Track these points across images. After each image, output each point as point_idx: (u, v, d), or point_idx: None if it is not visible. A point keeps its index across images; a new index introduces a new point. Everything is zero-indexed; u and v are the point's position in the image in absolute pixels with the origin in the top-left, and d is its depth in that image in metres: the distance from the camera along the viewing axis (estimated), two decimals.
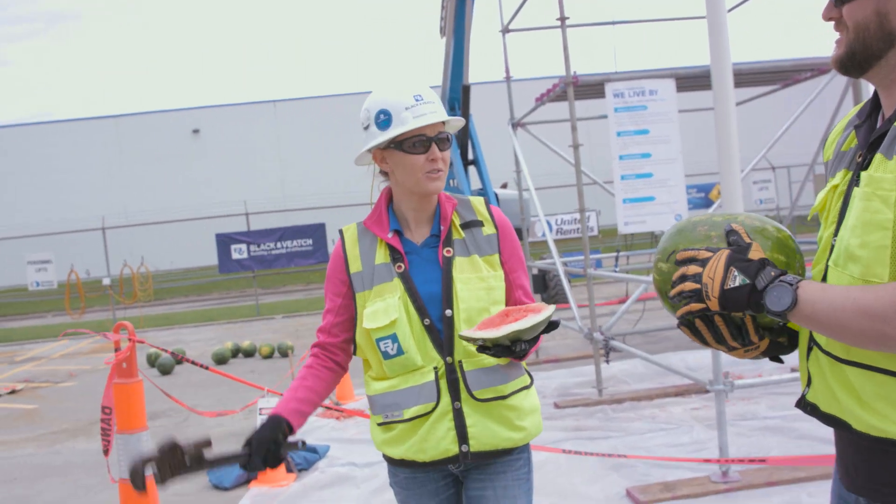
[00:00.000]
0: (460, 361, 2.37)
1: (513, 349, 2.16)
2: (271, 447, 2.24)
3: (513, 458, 2.45)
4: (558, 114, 9.24)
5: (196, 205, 29.53)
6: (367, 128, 2.42)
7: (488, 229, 2.46)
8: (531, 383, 2.53)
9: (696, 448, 5.86)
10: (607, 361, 7.43)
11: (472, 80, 16.43)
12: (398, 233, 2.45)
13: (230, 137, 44.44)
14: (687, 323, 1.71)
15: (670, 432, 6.29)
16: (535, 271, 15.67)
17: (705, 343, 1.71)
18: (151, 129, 44.50)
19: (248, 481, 6.15)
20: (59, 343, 18.73)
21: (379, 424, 2.44)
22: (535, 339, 2.23)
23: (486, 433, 2.36)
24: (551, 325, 2.23)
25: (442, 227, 2.44)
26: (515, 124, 9.67)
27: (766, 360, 1.80)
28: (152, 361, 12.67)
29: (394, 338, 2.35)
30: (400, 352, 2.35)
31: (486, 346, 2.17)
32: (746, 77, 8.50)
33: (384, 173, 2.48)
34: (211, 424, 8.20)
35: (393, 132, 2.35)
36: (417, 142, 2.35)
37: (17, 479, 7.10)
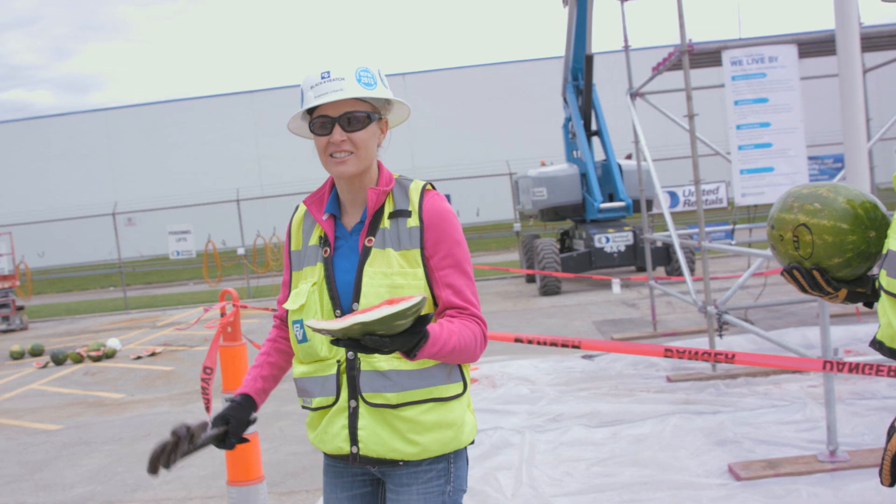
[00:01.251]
0: (359, 359, 2.23)
1: (362, 343, 1.90)
2: (243, 428, 2.28)
3: (420, 471, 2.27)
4: (678, 83, 9.07)
5: (322, 177, 30.34)
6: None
7: (412, 221, 2.25)
8: (454, 396, 2.28)
9: (809, 426, 5.73)
10: (720, 335, 7.31)
11: (593, 50, 16.22)
12: (333, 216, 2.34)
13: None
14: (787, 270, 2.04)
15: (782, 409, 6.16)
16: (658, 244, 15.44)
17: (803, 290, 2.02)
18: (285, 103, 45.87)
19: None
20: (197, 310, 19.75)
21: (302, 406, 2.40)
22: (410, 337, 1.94)
23: (374, 439, 2.23)
24: (422, 319, 1.95)
25: (367, 214, 2.29)
26: (634, 94, 9.55)
27: None
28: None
29: (301, 323, 2.28)
30: (304, 338, 2.28)
31: (339, 339, 1.94)
32: (875, 41, 8.10)
33: None
34: None
35: (296, 111, 2.30)
36: (320, 123, 2.24)
37: (152, 434, 7.62)
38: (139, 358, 12.43)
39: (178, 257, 22.33)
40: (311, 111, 2.27)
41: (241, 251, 22.70)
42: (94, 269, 33.89)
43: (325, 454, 2.38)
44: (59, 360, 12.78)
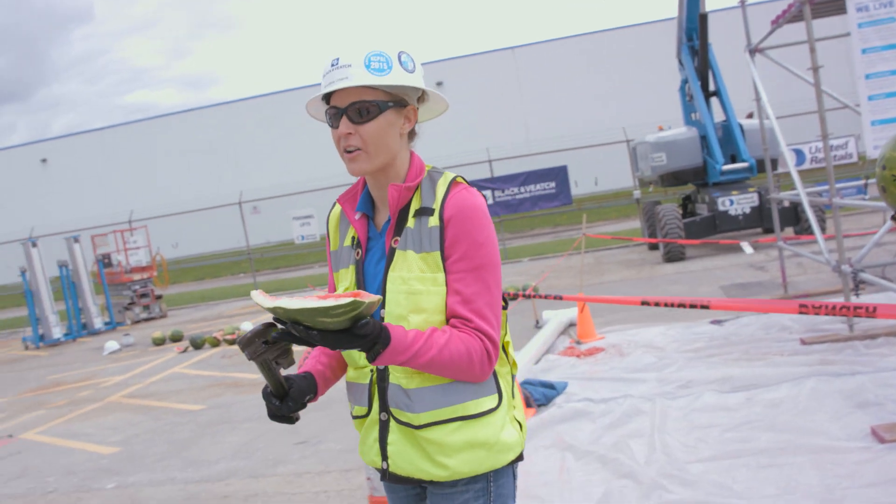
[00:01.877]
0: (388, 371, 2.08)
1: (292, 333, 1.80)
2: (300, 405, 2.03)
3: (456, 492, 2.08)
4: (799, 35, 8.71)
5: (440, 154, 30.55)
6: None
7: (434, 220, 2.04)
8: (487, 411, 2.06)
9: None
10: (857, 294, 7.03)
11: (707, 8, 15.73)
12: (366, 216, 2.17)
13: (472, 86, 45.32)
14: None
15: None
16: (785, 204, 14.91)
17: None
18: None
19: None
20: (324, 290, 20.24)
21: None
22: (350, 338, 1.81)
23: (402, 457, 2.07)
24: (359, 319, 1.80)
25: (391, 213, 2.11)
26: (753, 50, 9.22)
27: None
28: None
29: None
30: None
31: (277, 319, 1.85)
32: None
33: None
34: None
35: (317, 96, 2.12)
36: (331, 114, 2.06)
37: None
38: None
39: (303, 241, 22.96)
40: (327, 100, 2.09)
41: None
42: (225, 257, 35.18)
43: None
44: (197, 345, 13.40)
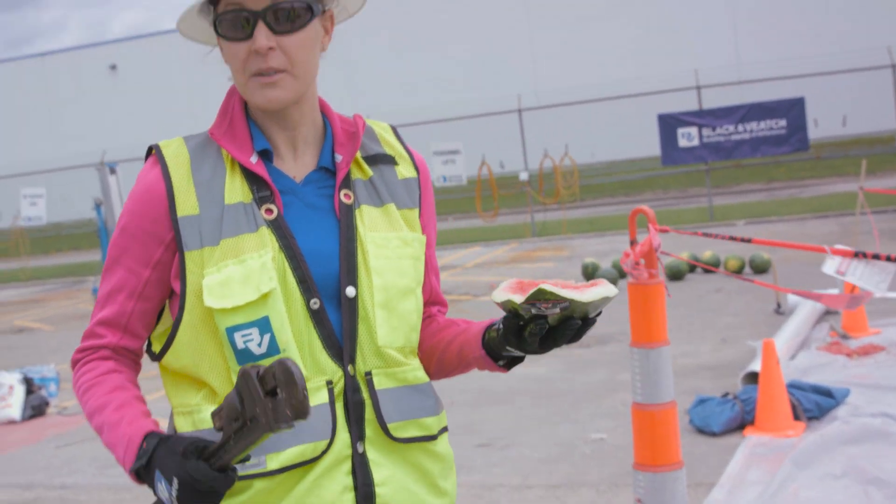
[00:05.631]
0: (368, 373, 1.89)
1: (562, 331, 1.70)
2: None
3: None
4: None
5: (626, 78, 30.03)
6: None
7: (405, 170, 2.04)
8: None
9: None
10: None
11: None
12: (264, 156, 1.95)
13: None
14: None
15: None
16: None
17: None
18: None
19: (741, 426, 6.27)
20: (473, 250, 20.28)
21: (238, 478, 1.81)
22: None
23: (401, 496, 1.91)
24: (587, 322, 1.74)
25: (339, 157, 1.97)
26: None
27: None
28: (590, 274, 13.27)
29: (264, 325, 1.81)
30: (274, 349, 1.81)
31: (515, 323, 1.75)
32: None
33: None
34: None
35: (191, 3, 1.88)
36: (231, 20, 1.85)
37: (456, 403, 7.84)
38: None
39: (445, 184, 22.95)
40: (214, 2, 1.88)
41: (523, 176, 22.93)
42: None
43: None
44: None
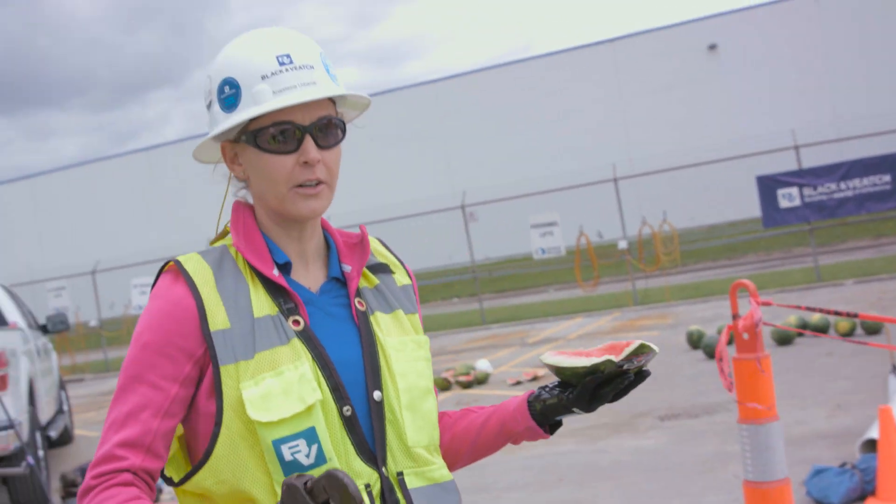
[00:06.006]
0: (400, 474, 1.93)
1: (615, 386, 1.97)
2: None
3: None
4: None
5: (721, 142, 29.75)
6: (209, 106, 2.00)
7: (401, 278, 2.16)
8: None
9: None
10: None
11: None
12: (283, 269, 2.00)
13: (752, 51, 44.00)
14: None
15: None
16: None
17: None
18: (654, 50, 45.74)
19: (862, 497, 6.06)
20: (575, 321, 20.15)
21: None
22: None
23: None
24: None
25: (347, 269, 2.04)
26: None
27: None
28: (695, 342, 13.08)
29: (310, 435, 1.84)
30: (321, 459, 1.84)
31: (591, 384, 1.98)
32: None
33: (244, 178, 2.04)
34: (789, 422, 8.17)
35: (240, 116, 1.91)
36: (280, 132, 1.90)
37: (563, 479, 7.73)
38: (518, 383, 12.84)
39: (543, 256, 22.94)
40: (254, 117, 1.92)
41: (622, 244, 22.85)
42: (436, 276, 35.94)
43: None
44: None
